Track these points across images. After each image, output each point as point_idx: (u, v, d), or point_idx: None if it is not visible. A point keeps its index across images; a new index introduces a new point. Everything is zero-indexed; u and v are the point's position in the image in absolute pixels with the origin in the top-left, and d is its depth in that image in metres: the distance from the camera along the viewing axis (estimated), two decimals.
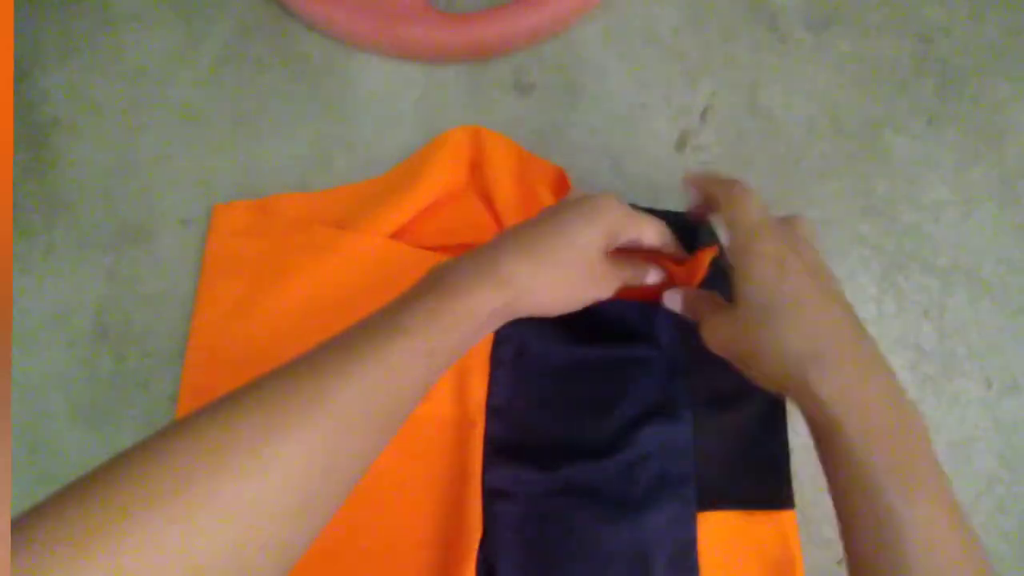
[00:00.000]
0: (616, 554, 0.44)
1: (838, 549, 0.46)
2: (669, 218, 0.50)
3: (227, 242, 0.49)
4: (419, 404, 0.47)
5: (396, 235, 0.49)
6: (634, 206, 0.50)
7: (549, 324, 0.47)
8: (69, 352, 0.48)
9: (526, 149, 0.52)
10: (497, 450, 0.45)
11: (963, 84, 0.55)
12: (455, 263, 0.35)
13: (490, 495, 0.44)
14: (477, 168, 0.51)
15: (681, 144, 0.53)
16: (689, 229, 0.49)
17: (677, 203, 0.51)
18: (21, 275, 0.49)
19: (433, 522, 0.44)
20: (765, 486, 0.46)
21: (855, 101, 0.54)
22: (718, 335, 0.36)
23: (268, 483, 0.24)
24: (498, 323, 0.36)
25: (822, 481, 0.47)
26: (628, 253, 0.42)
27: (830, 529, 0.46)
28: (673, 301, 0.42)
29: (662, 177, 0.52)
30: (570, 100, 0.54)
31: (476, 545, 0.43)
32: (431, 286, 0.33)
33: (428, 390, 0.32)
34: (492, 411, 0.46)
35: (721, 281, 0.40)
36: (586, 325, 0.47)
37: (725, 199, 0.37)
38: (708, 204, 0.39)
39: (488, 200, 0.50)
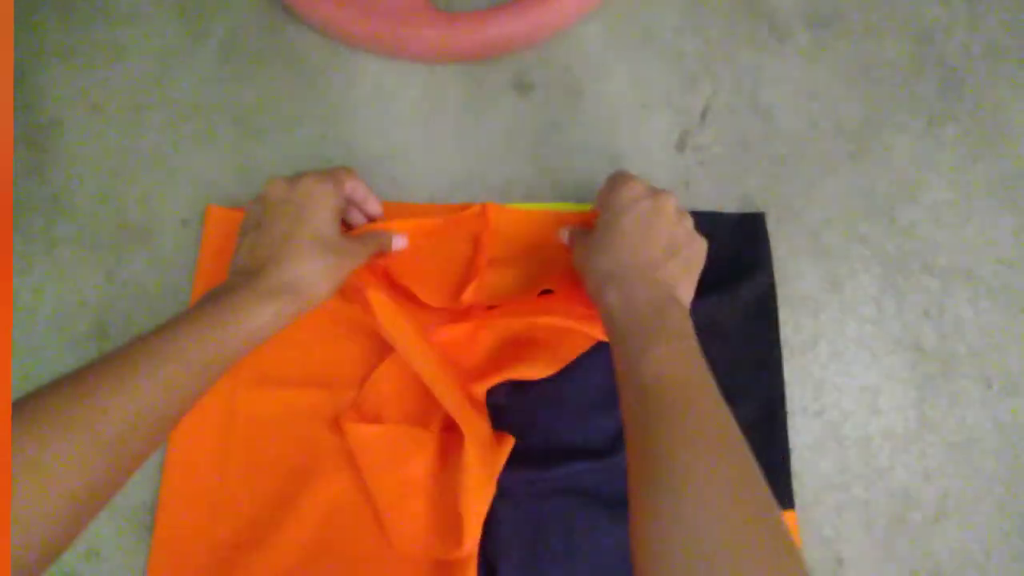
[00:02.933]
0: (616, 554, 0.44)
1: (838, 549, 0.46)
2: (707, 218, 0.50)
3: (222, 243, 0.49)
4: None
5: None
6: None
7: None
8: (69, 352, 0.48)
9: (526, 149, 0.52)
10: None
11: (963, 84, 0.55)
12: (228, 282, 0.38)
13: None
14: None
15: (681, 144, 0.53)
16: (730, 231, 0.49)
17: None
18: (21, 275, 0.49)
19: (434, 522, 0.44)
20: None
21: (855, 101, 0.54)
22: (577, 254, 0.44)
23: (43, 491, 0.27)
24: (284, 320, 0.38)
25: (822, 481, 0.47)
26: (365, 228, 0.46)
27: (830, 529, 0.46)
28: (563, 235, 0.47)
29: (662, 177, 0.52)
30: (570, 100, 0.54)
31: (476, 545, 0.43)
32: (205, 306, 0.35)
33: (204, 394, 0.35)
34: (493, 411, 0.46)
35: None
36: None
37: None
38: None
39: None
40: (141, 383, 0.31)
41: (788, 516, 0.45)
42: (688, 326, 0.37)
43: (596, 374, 0.47)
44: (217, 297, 0.36)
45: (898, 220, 0.52)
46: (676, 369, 0.34)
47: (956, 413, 0.49)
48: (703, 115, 0.54)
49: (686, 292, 0.40)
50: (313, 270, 0.38)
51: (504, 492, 0.44)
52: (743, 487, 0.30)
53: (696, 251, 0.41)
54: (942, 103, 0.54)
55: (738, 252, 0.49)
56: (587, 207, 0.51)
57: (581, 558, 0.44)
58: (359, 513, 0.45)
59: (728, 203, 0.51)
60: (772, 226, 0.51)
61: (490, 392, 0.46)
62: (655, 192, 0.41)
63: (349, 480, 0.45)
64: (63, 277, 0.49)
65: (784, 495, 0.46)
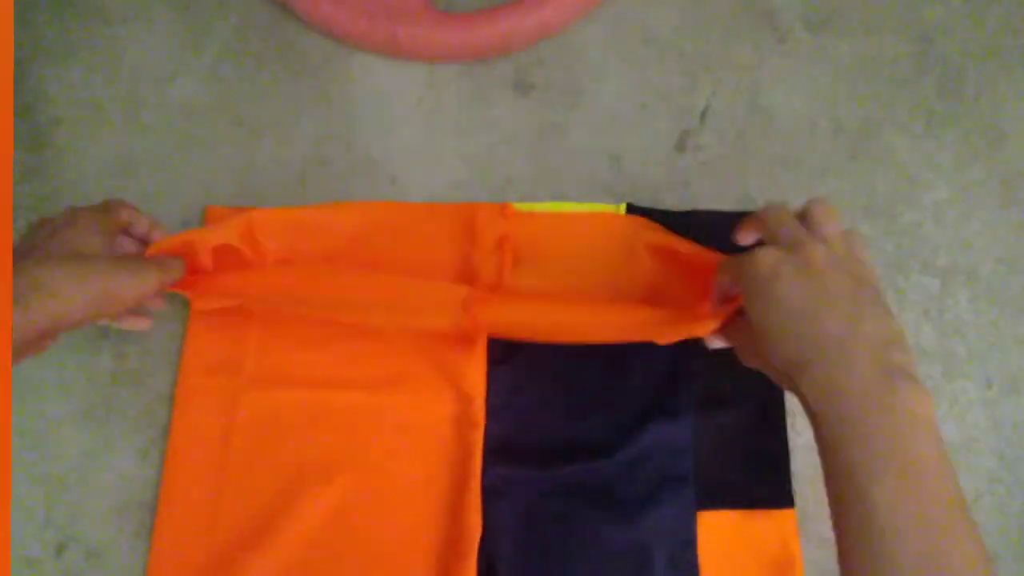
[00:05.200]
0: (616, 554, 0.44)
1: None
2: (706, 217, 0.50)
3: None
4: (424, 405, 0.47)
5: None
6: (632, 207, 0.50)
7: None
8: (68, 352, 0.48)
9: (526, 149, 0.52)
10: (497, 449, 0.45)
11: (963, 84, 0.55)
12: None
13: (490, 494, 0.44)
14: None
15: (681, 144, 0.53)
16: (729, 229, 0.49)
17: (677, 203, 0.51)
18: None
19: (433, 522, 0.44)
20: (765, 485, 0.46)
21: (855, 101, 0.54)
22: (744, 353, 0.40)
23: None
24: (26, 330, 0.34)
25: (822, 481, 0.47)
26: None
27: (830, 529, 0.46)
28: (715, 342, 0.43)
29: (662, 177, 0.52)
30: (570, 100, 0.54)
31: (476, 544, 0.43)
32: None
33: None
34: (492, 411, 0.46)
35: None
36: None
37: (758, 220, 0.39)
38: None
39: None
40: None
41: (788, 515, 0.45)
42: (926, 430, 0.30)
43: (597, 373, 0.47)
44: None
45: (898, 220, 0.52)
46: (913, 516, 0.28)
47: (956, 413, 0.49)
48: (703, 115, 0.54)
49: (902, 350, 0.32)
50: (55, 275, 0.35)
51: (504, 491, 0.45)
52: None
53: (873, 288, 0.34)
54: (942, 103, 0.54)
55: (737, 251, 0.49)
56: (600, 207, 0.50)
57: (581, 558, 0.44)
58: (360, 514, 0.45)
59: (728, 203, 0.51)
60: None
61: (490, 392, 0.46)
62: (794, 248, 0.34)
63: (350, 480, 0.45)
64: None
65: (784, 495, 0.46)
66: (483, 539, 0.43)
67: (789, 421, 0.47)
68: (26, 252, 0.37)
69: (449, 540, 0.44)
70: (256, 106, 0.53)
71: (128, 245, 0.44)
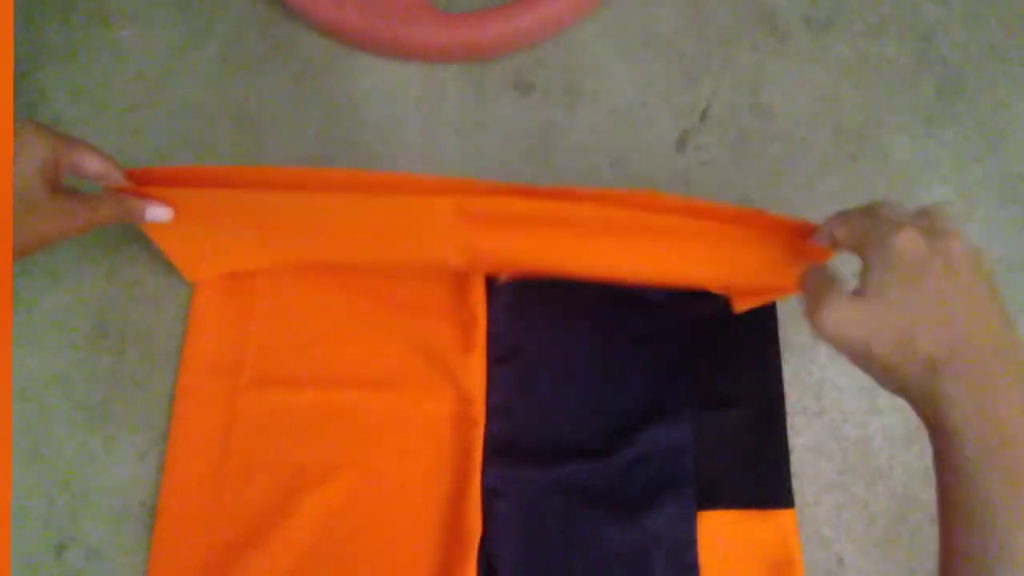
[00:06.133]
0: (616, 554, 0.44)
1: (838, 549, 0.46)
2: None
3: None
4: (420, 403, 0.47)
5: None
6: None
7: (549, 321, 0.48)
8: (69, 352, 0.48)
9: (526, 149, 0.52)
10: (497, 449, 0.45)
11: (963, 84, 0.55)
12: None
13: (490, 494, 0.44)
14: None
15: (681, 144, 0.53)
16: None
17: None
18: (21, 275, 0.49)
19: (433, 521, 0.44)
20: (764, 485, 0.46)
21: (855, 101, 0.54)
22: (838, 323, 0.33)
23: None
24: None
25: (822, 481, 0.47)
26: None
27: (830, 529, 0.46)
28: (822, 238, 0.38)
29: (662, 177, 0.52)
30: (570, 100, 0.54)
31: (476, 544, 0.43)
32: None
33: None
34: (492, 411, 0.46)
35: None
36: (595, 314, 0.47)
37: (861, 210, 0.35)
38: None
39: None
40: None
41: (787, 515, 0.45)
42: None
43: (597, 373, 0.47)
44: None
45: None
46: None
47: None
48: (703, 115, 0.54)
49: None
50: None
51: (504, 491, 0.45)
52: None
53: (960, 257, 0.31)
54: (942, 103, 0.54)
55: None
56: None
57: (581, 558, 0.44)
58: (359, 513, 0.45)
59: (728, 203, 0.51)
60: None
61: (490, 392, 0.46)
62: (935, 236, 0.31)
63: (350, 480, 0.45)
64: (63, 277, 0.49)
65: (783, 494, 0.46)
66: (483, 539, 0.43)
67: (789, 421, 0.47)
68: None
69: (449, 540, 0.44)
70: (256, 106, 0.53)
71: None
